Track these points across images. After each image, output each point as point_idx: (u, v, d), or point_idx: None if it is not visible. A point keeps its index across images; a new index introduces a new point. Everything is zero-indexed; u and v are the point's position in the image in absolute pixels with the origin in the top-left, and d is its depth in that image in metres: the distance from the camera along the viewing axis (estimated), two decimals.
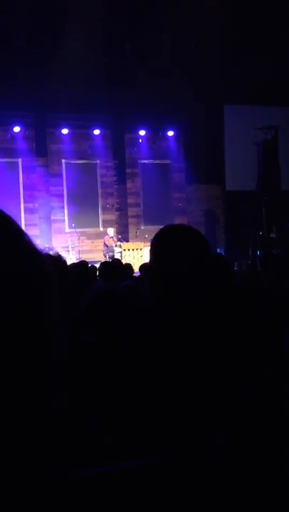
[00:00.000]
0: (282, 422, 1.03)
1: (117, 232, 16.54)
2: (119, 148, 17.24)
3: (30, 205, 16.07)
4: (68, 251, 15.01)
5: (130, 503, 0.66)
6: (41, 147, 16.12)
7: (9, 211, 0.68)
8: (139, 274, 7.52)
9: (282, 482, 0.94)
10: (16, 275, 0.60)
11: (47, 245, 14.14)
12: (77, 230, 15.81)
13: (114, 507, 0.65)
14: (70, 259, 13.70)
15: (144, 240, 15.17)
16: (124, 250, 14.97)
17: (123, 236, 16.50)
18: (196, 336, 1.46)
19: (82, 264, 7.22)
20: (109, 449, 0.79)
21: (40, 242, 15.96)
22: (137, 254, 14.91)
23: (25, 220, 15.73)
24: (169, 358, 1.43)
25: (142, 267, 7.46)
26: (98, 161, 17.12)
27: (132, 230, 17.11)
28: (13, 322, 0.59)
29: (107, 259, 13.18)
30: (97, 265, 7.22)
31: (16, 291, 0.60)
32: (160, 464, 0.71)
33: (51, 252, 2.31)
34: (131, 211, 17.41)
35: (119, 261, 8.16)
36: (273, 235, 16.07)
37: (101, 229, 16.81)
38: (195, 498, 0.71)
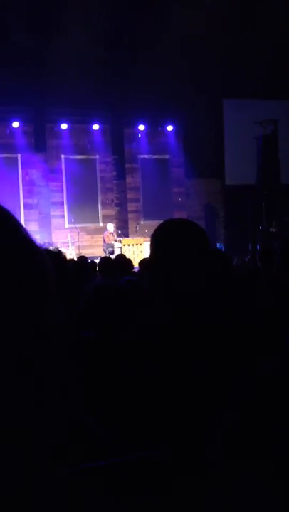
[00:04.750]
0: (282, 417, 1.03)
1: (117, 228, 16.53)
2: (118, 143, 17.21)
3: (30, 201, 16.05)
4: (68, 246, 15.01)
5: (129, 497, 0.66)
6: (40, 142, 16.09)
7: (8, 207, 0.68)
8: (138, 269, 7.52)
9: (284, 478, 0.94)
10: (13, 270, 0.60)
11: (46, 241, 14.15)
12: (77, 225, 15.80)
13: (114, 501, 0.65)
14: (70, 254, 13.69)
15: (144, 235, 15.17)
16: (124, 245, 14.97)
17: (123, 231, 16.50)
18: (196, 331, 1.46)
19: (81, 260, 7.22)
20: (109, 445, 0.79)
21: (39, 238, 15.84)
22: (136, 250, 14.90)
23: (25, 215, 15.73)
24: (169, 354, 1.43)
25: (142, 262, 7.46)
26: (97, 156, 17.10)
27: (131, 225, 17.10)
28: (11, 318, 0.58)
29: (107, 255, 13.17)
30: (97, 261, 7.21)
31: (13, 286, 0.59)
32: (159, 458, 0.71)
33: (51, 248, 2.31)
34: (130, 206, 17.40)
35: (122, 256, 8.15)
36: (273, 229, 16.06)
37: (101, 224, 16.80)
38: (194, 493, 0.71)
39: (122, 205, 17.31)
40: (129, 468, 0.67)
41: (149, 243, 1.63)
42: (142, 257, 10.21)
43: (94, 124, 16.74)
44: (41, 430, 0.63)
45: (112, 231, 15.66)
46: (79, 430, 0.73)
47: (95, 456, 0.72)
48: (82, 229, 16.18)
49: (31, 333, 0.60)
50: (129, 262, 7.06)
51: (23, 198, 16.02)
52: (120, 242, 15.17)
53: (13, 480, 0.60)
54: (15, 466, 0.61)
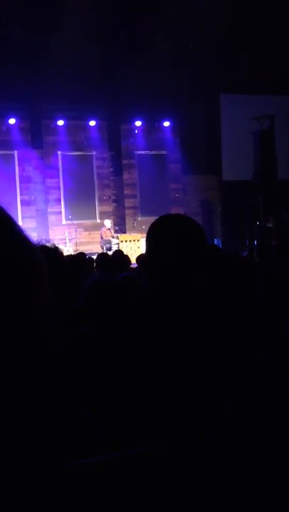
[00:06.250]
0: (281, 411, 1.03)
1: (114, 224, 16.53)
2: (115, 139, 17.19)
3: (27, 198, 16.03)
4: (65, 243, 15.00)
5: (125, 492, 0.65)
6: (37, 139, 16.06)
7: (5, 204, 0.68)
8: (136, 265, 7.52)
9: (283, 470, 0.94)
10: (7, 266, 0.60)
11: (44, 237, 14.12)
12: (74, 221, 15.79)
13: (110, 496, 0.65)
14: (68, 251, 13.69)
15: (141, 231, 15.17)
16: (122, 242, 14.97)
17: (120, 227, 16.50)
18: (193, 325, 1.46)
19: (79, 256, 7.22)
20: (106, 442, 0.79)
21: (37, 235, 15.80)
22: (134, 246, 14.91)
23: (22, 212, 15.71)
24: (167, 350, 1.43)
25: (139, 258, 7.47)
26: (94, 153, 17.07)
27: (129, 221, 17.10)
28: (5, 314, 0.58)
29: (105, 251, 13.18)
30: (94, 257, 7.21)
31: (5, 282, 0.59)
32: (156, 454, 0.70)
33: (48, 244, 2.31)
34: (128, 202, 17.39)
35: (120, 252, 8.16)
36: (270, 225, 16.06)
37: (98, 220, 16.80)
38: (191, 488, 0.71)
39: (119, 201, 17.30)
40: (124, 465, 0.67)
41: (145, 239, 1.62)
42: (140, 253, 10.21)
43: (90, 120, 16.71)
44: (37, 426, 0.63)
45: (110, 227, 15.66)
46: (75, 425, 0.73)
47: (90, 452, 0.72)
48: (79, 225, 16.17)
49: (25, 329, 0.60)
50: (126, 258, 7.06)
51: (20, 194, 16.00)
52: (118, 238, 15.18)
53: (11, 476, 0.60)
54: (14, 463, 0.61)
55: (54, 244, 2.21)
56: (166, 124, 17.69)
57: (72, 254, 10.88)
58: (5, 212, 0.65)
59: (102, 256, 6.79)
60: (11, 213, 0.67)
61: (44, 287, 0.63)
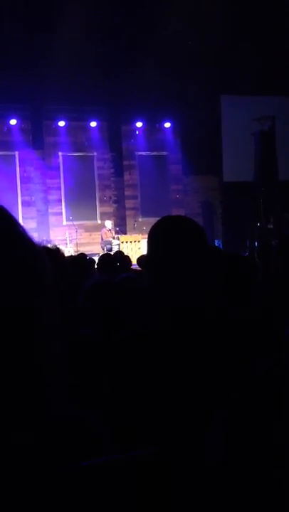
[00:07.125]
0: (282, 412, 1.03)
1: (115, 225, 16.53)
2: (116, 140, 17.19)
3: (28, 198, 16.03)
4: (66, 244, 15.00)
5: (127, 493, 0.66)
6: (38, 140, 16.07)
7: (6, 204, 0.68)
8: (136, 266, 7.53)
9: (281, 474, 0.94)
10: (9, 266, 0.60)
11: (44, 238, 14.14)
12: (75, 222, 15.79)
13: (112, 497, 0.65)
14: (68, 251, 13.69)
15: (141, 232, 15.17)
16: (122, 242, 14.97)
17: (121, 228, 16.50)
18: (193, 325, 1.46)
19: (80, 257, 7.22)
20: (107, 443, 0.79)
21: (37, 236, 15.76)
22: (134, 247, 14.91)
23: (23, 212, 15.71)
24: (168, 352, 1.43)
25: (140, 259, 7.47)
26: (95, 154, 17.08)
27: (129, 222, 17.10)
28: (8, 314, 0.58)
29: (105, 252, 13.18)
30: (95, 258, 7.22)
31: (10, 282, 0.59)
32: (157, 455, 0.71)
33: (49, 245, 2.31)
34: (128, 203, 17.39)
35: (120, 253, 8.17)
36: (271, 226, 16.06)
37: (99, 221, 16.80)
38: (192, 489, 0.71)
39: (119, 202, 17.30)
40: (127, 466, 0.68)
41: (146, 240, 1.63)
42: (140, 254, 10.21)
43: (91, 121, 16.72)
44: (38, 425, 0.63)
45: (110, 228, 15.66)
46: (76, 426, 0.74)
47: (92, 453, 0.72)
48: (80, 226, 16.18)
49: (27, 329, 0.60)
50: (127, 259, 7.06)
51: (21, 195, 16.01)
52: (118, 239, 15.18)
53: (14, 478, 0.60)
54: (17, 465, 0.61)
55: (55, 245, 2.22)
56: (167, 125, 17.69)
57: (73, 255, 10.89)
58: (8, 213, 0.65)
59: (105, 257, 6.79)
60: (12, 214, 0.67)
61: (47, 287, 0.63)
